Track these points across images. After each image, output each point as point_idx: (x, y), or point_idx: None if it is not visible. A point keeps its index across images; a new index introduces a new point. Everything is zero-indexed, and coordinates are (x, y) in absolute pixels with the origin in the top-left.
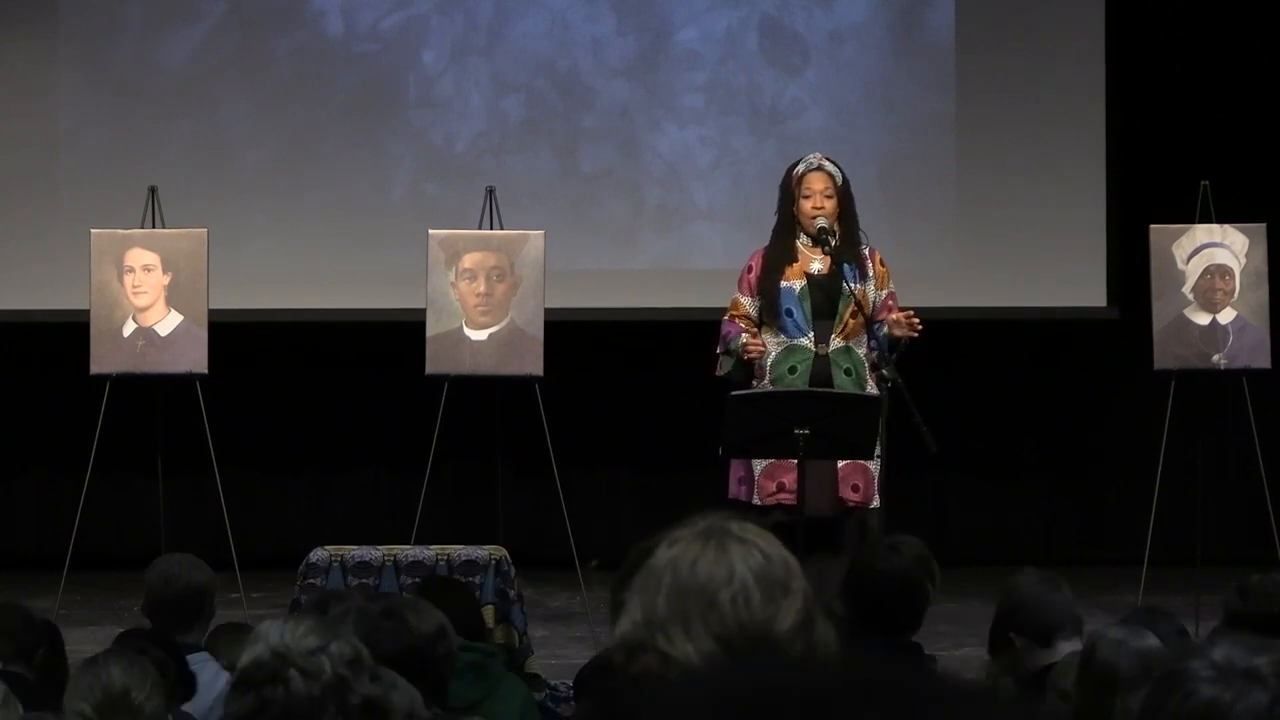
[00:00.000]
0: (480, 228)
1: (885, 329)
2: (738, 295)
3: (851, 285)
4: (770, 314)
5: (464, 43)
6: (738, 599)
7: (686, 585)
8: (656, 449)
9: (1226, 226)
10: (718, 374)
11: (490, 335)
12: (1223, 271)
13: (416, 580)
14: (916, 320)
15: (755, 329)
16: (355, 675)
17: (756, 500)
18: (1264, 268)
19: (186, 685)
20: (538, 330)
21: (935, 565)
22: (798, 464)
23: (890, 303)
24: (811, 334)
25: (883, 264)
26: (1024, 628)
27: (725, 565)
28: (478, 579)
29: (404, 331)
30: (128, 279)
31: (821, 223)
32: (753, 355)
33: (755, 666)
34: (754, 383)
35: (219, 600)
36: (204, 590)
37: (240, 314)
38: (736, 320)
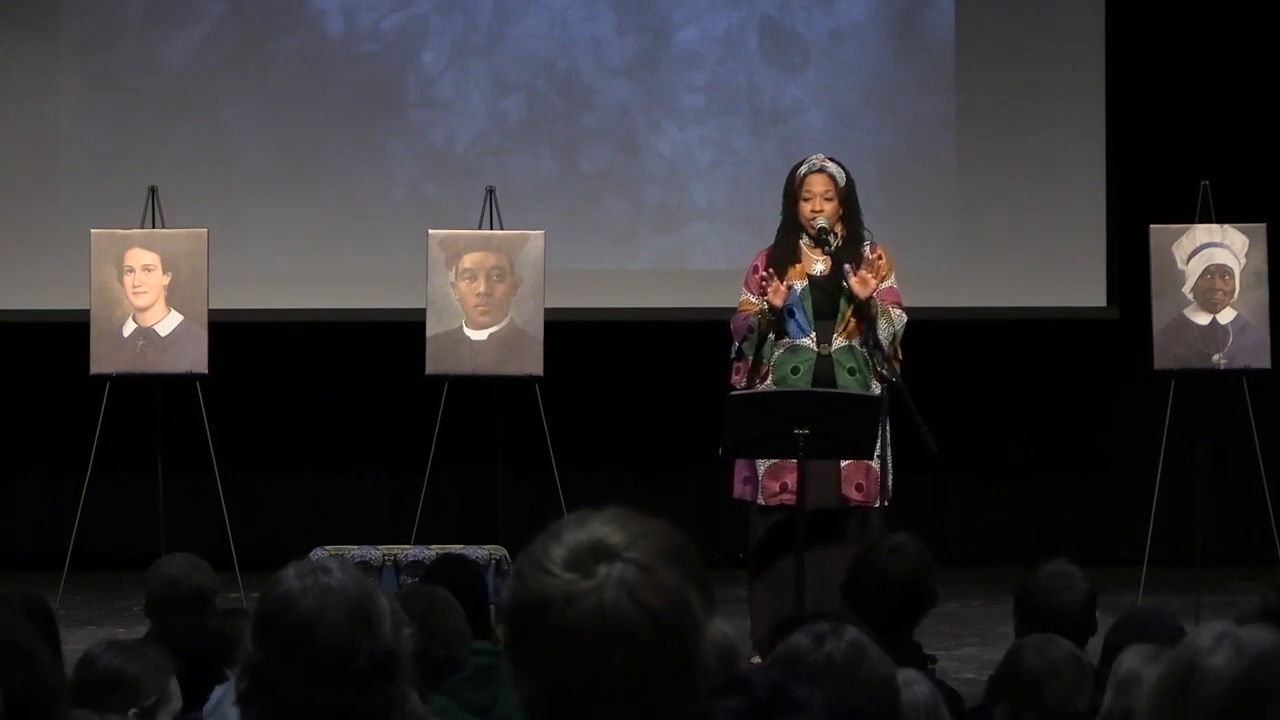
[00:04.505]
0: (480, 228)
1: (874, 307)
2: (746, 295)
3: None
4: (773, 314)
5: (464, 43)
6: (657, 639)
7: (596, 646)
8: (656, 449)
9: (1226, 226)
10: (734, 379)
11: (490, 335)
12: (1223, 271)
13: (416, 579)
14: (870, 276)
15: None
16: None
17: (760, 500)
18: (1264, 268)
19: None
20: (538, 330)
21: (934, 566)
22: (798, 463)
23: (889, 296)
24: (814, 334)
25: (882, 256)
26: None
27: (632, 604)
28: None
29: (404, 331)
30: (128, 279)
31: (821, 223)
32: (776, 294)
33: None
34: (756, 383)
35: (219, 601)
36: (205, 592)
37: (240, 314)
38: (744, 312)
